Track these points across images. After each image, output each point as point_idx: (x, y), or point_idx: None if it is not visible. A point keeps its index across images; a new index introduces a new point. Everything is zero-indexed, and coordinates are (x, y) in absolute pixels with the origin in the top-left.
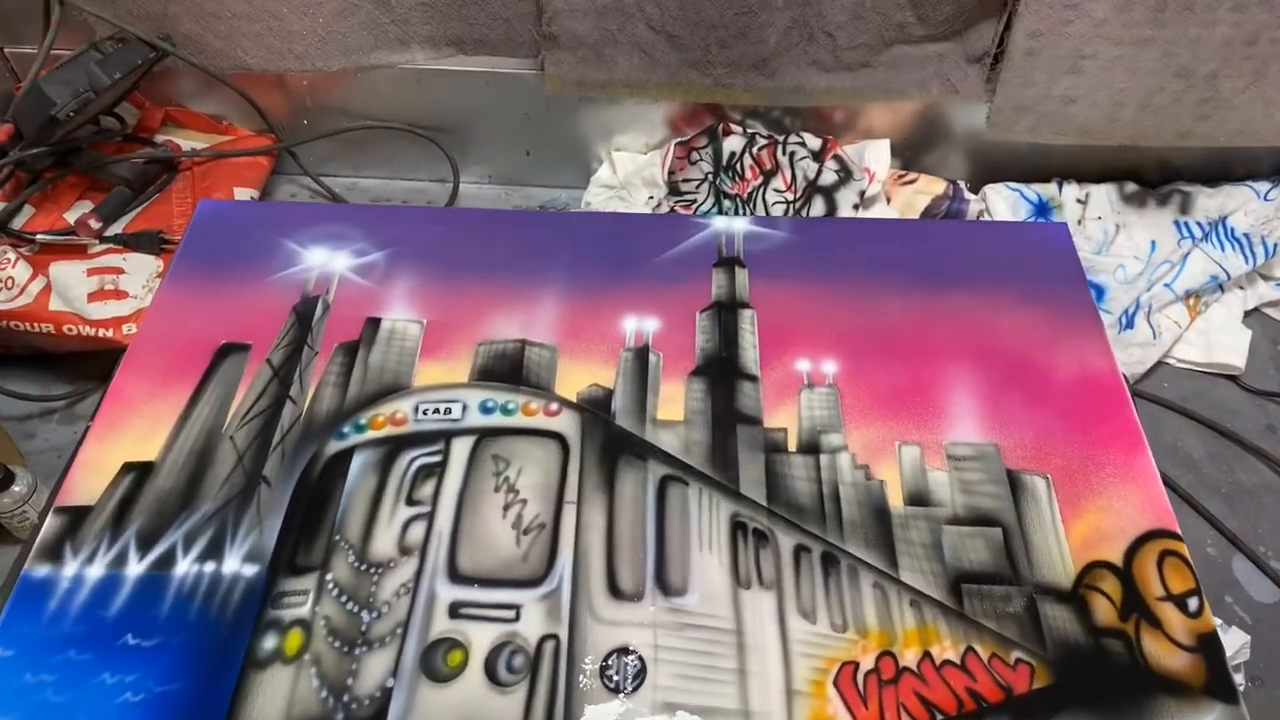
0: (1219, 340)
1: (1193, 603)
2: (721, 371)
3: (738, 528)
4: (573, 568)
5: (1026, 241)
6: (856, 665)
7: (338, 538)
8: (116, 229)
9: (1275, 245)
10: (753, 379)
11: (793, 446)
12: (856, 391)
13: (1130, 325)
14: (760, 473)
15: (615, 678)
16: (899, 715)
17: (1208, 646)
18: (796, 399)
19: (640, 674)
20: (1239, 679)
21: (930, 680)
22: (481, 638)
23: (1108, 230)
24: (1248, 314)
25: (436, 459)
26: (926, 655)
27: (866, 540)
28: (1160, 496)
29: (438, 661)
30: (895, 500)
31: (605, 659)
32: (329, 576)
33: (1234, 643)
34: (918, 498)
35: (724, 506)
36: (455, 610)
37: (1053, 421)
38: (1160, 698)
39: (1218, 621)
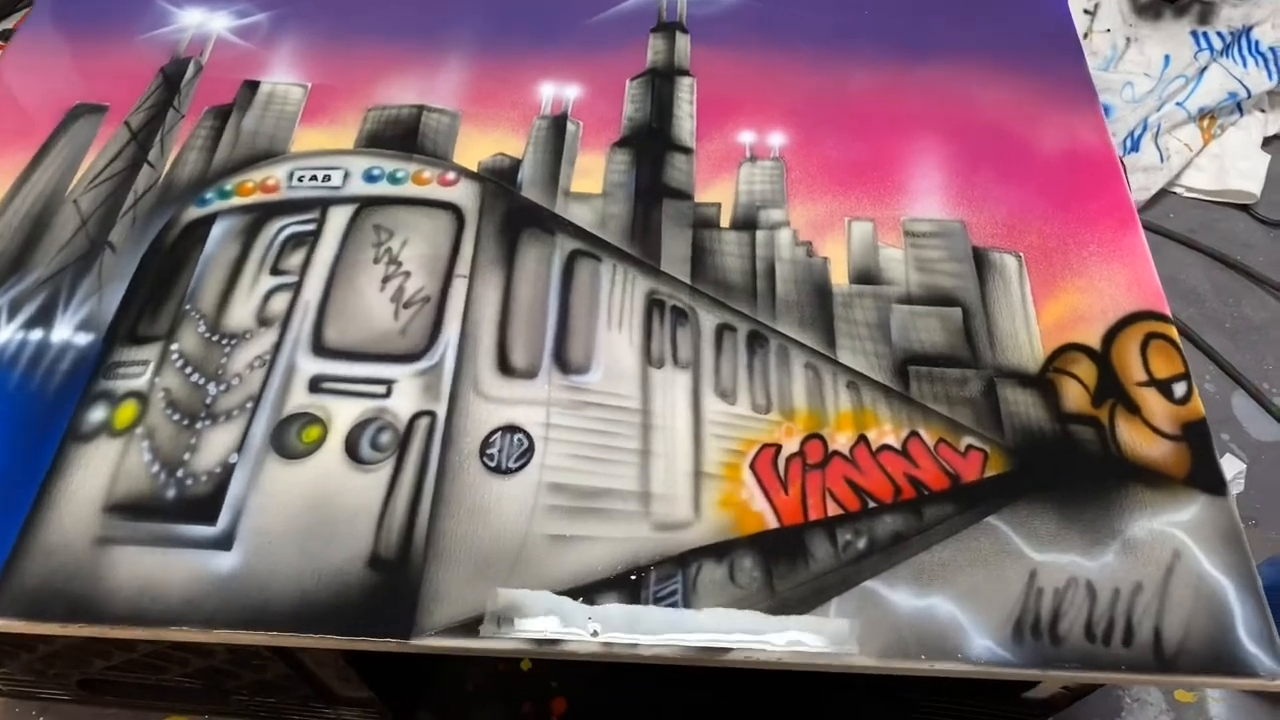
0: (1233, 165)
1: (1179, 388)
2: (650, 143)
3: (654, 305)
4: (458, 343)
5: (1016, 8)
6: (778, 448)
7: (188, 307)
8: None
9: None
10: (685, 151)
11: (725, 222)
12: (806, 165)
13: (1136, 148)
14: (685, 249)
15: (496, 456)
16: (824, 501)
17: (1194, 435)
18: (735, 173)
19: (527, 453)
20: None
21: (864, 466)
22: (344, 413)
23: (1116, 44)
24: (1268, 140)
25: (309, 228)
26: (862, 439)
27: (802, 320)
28: (1150, 277)
29: (290, 437)
30: (839, 278)
31: (487, 438)
32: (174, 347)
33: (1228, 470)
34: (866, 275)
35: (640, 284)
36: (316, 384)
37: (1031, 197)
38: (1134, 488)
39: None
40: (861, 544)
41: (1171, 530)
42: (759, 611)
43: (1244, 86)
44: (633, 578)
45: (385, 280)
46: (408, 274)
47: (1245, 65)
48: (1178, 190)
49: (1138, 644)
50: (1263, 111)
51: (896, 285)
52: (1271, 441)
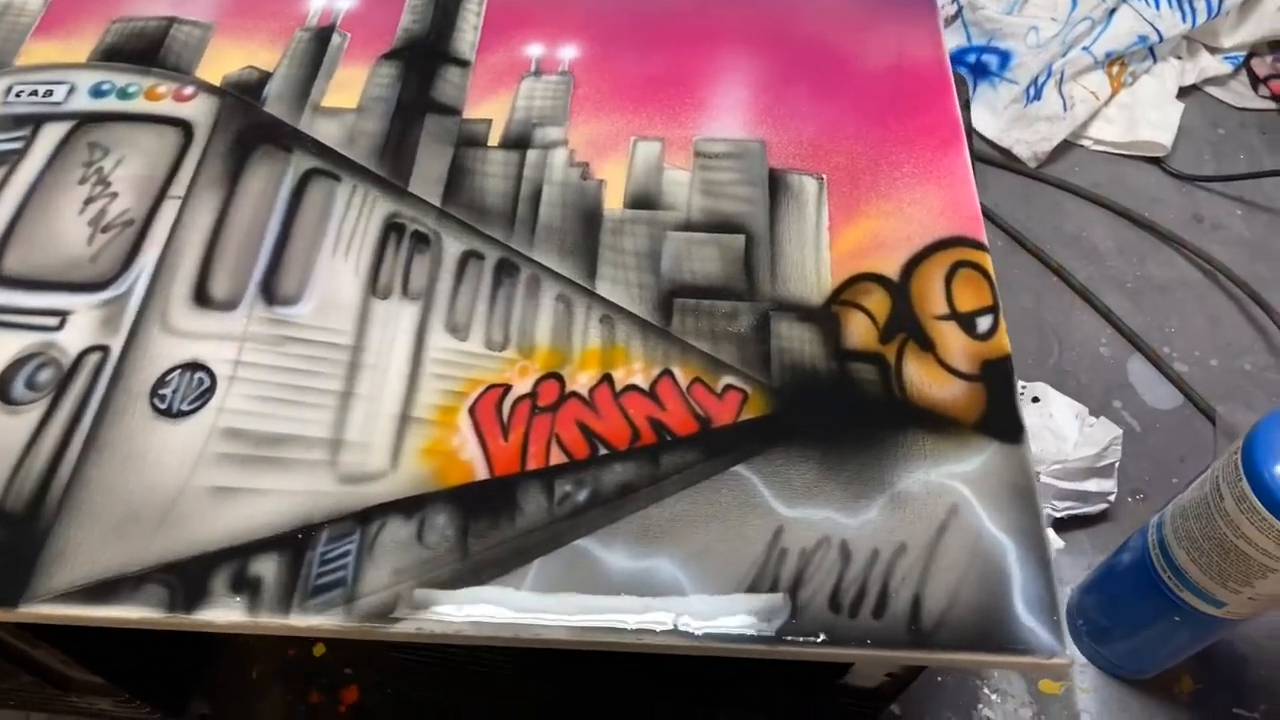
0: (1144, 116)
1: (983, 322)
2: (424, 55)
3: (392, 230)
4: (154, 270)
5: None
6: (507, 389)
7: None
8: None
9: (1219, 3)
10: (462, 64)
11: (494, 140)
12: (597, 81)
13: (1038, 96)
14: (442, 169)
15: (169, 397)
16: (547, 448)
17: (993, 375)
18: (515, 88)
19: (205, 394)
20: (1110, 485)
21: (603, 408)
22: (3, 348)
23: None
24: (1184, 91)
25: (16, 145)
26: (606, 379)
27: (563, 247)
28: (968, 201)
29: None
30: (613, 203)
31: (163, 376)
32: None
33: (1101, 437)
34: (643, 200)
35: (380, 206)
36: None
37: (845, 115)
38: (914, 434)
39: (1084, 412)
40: (582, 496)
41: (951, 483)
42: (442, 575)
43: (1155, 30)
44: (299, 536)
45: (87, 202)
46: (114, 195)
47: (1157, 7)
48: (1084, 143)
49: (890, 614)
50: (1179, 59)
51: (676, 211)
52: (1168, 409)
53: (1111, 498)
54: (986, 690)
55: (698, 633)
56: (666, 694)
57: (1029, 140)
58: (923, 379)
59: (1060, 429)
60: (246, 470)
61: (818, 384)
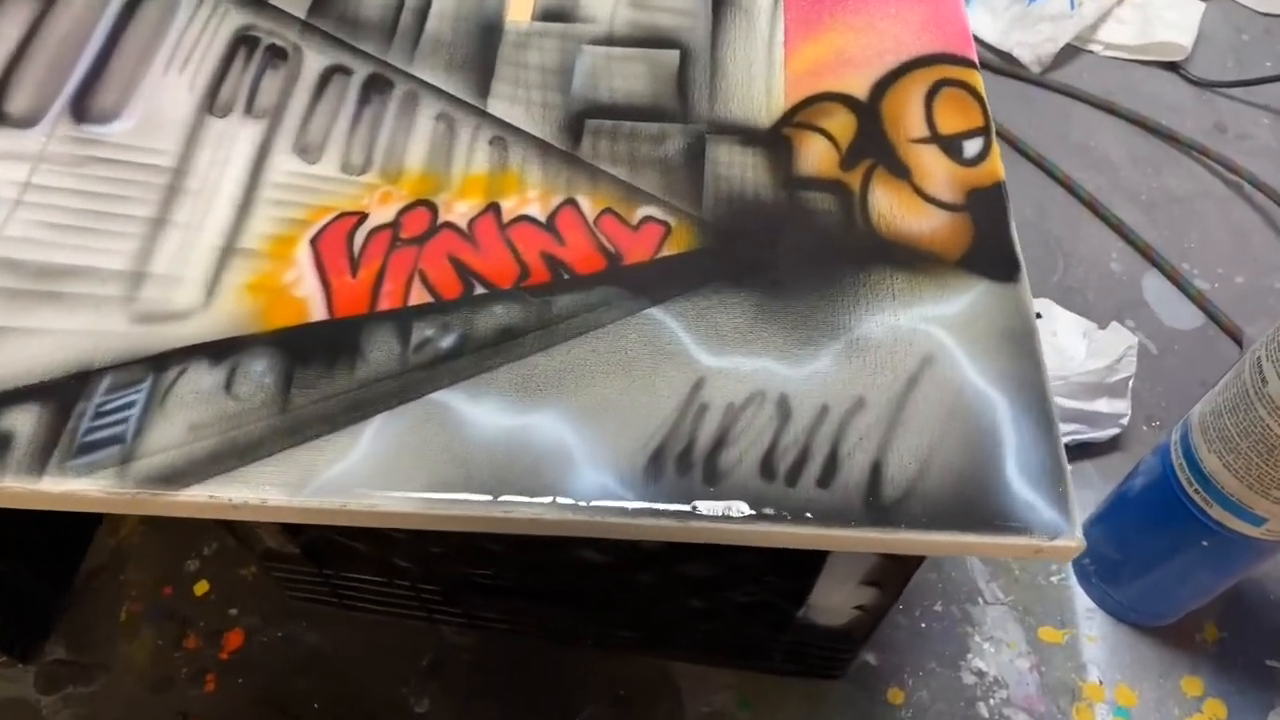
0: (1159, 15)
1: (972, 145)
2: None
3: (242, 43)
4: None
5: None
6: (362, 217)
7: None
8: None
9: None
10: None
11: None
12: None
13: None
14: None
15: None
16: (406, 286)
17: (982, 204)
18: None
19: None
20: (1123, 406)
21: (484, 241)
22: None
23: None
24: None
25: None
26: (492, 209)
27: (450, 62)
28: (955, 15)
29: None
30: (518, 14)
31: None
32: None
33: (1113, 347)
34: (556, 11)
35: (232, 18)
36: None
37: None
38: (880, 271)
39: (1092, 328)
40: (446, 342)
41: (926, 327)
42: (252, 433)
43: None
44: (71, 384)
45: None
46: None
47: None
48: (1094, 48)
49: (841, 483)
50: None
51: (595, 24)
52: (1187, 329)
53: (1124, 421)
54: (978, 638)
55: (579, 504)
56: (601, 639)
57: (1031, 42)
58: (894, 209)
59: (1065, 347)
60: (18, 307)
61: (760, 216)
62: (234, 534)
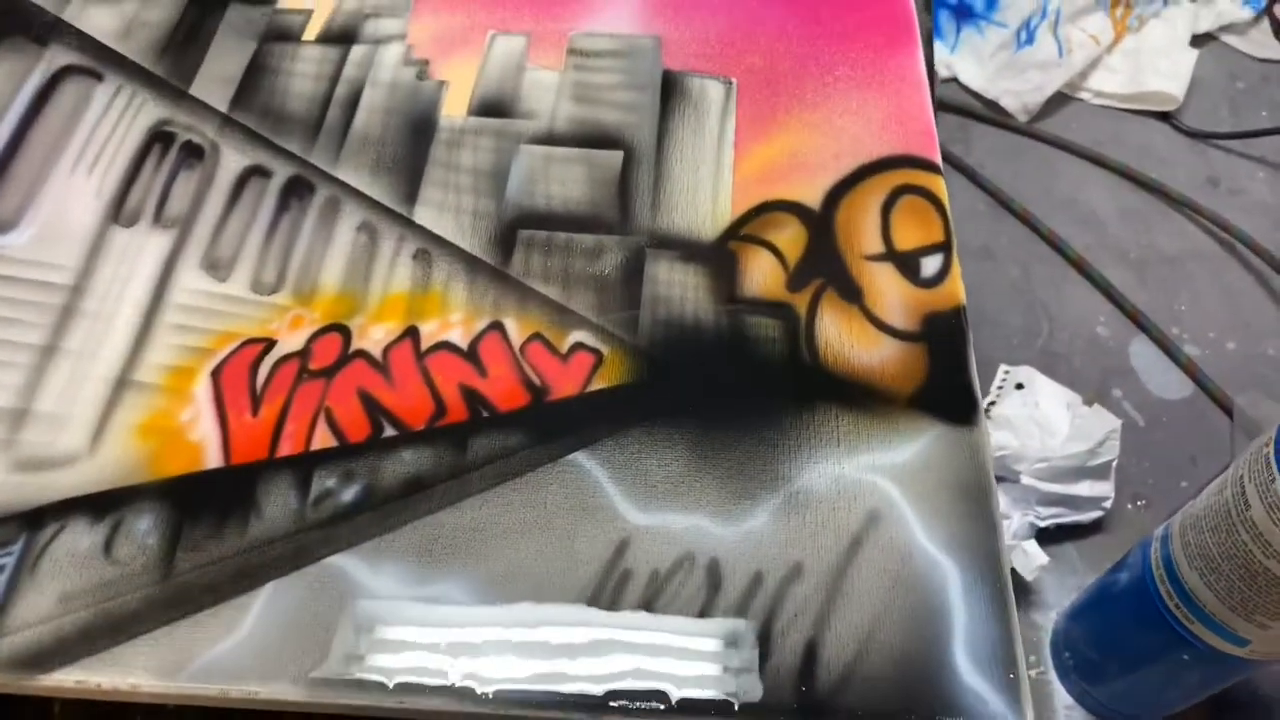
0: (1152, 64)
1: (931, 263)
2: None
3: (158, 140)
4: None
5: None
6: (270, 345)
7: None
8: None
9: None
10: None
11: (312, 34)
12: None
13: (1030, 40)
14: (237, 68)
15: None
16: (310, 427)
17: (941, 332)
18: None
19: None
20: (1106, 489)
21: (398, 373)
22: None
23: None
24: (1198, 40)
25: None
26: (409, 334)
27: (378, 163)
28: (920, 112)
29: None
30: (454, 109)
31: None
32: None
33: (1096, 429)
34: (494, 105)
35: (148, 111)
36: None
37: (766, 8)
38: (822, 409)
39: (1077, 401)
40: (348, 495)
41: (873, 479)
42: (128, 604)
43: None
44: None
45: None
46: None
47: None
48: (1084, 96)
49: (772, 667)
50: (1192, 1)
51: (535, 119)
52: (1176, 399)
53: (1107, 504)
54: None
55: (484, 694)
56: None
57: (1019, 90)
58: (843, 338)
59: (1049, 421)
60: None
61: (698, 343)
62: None
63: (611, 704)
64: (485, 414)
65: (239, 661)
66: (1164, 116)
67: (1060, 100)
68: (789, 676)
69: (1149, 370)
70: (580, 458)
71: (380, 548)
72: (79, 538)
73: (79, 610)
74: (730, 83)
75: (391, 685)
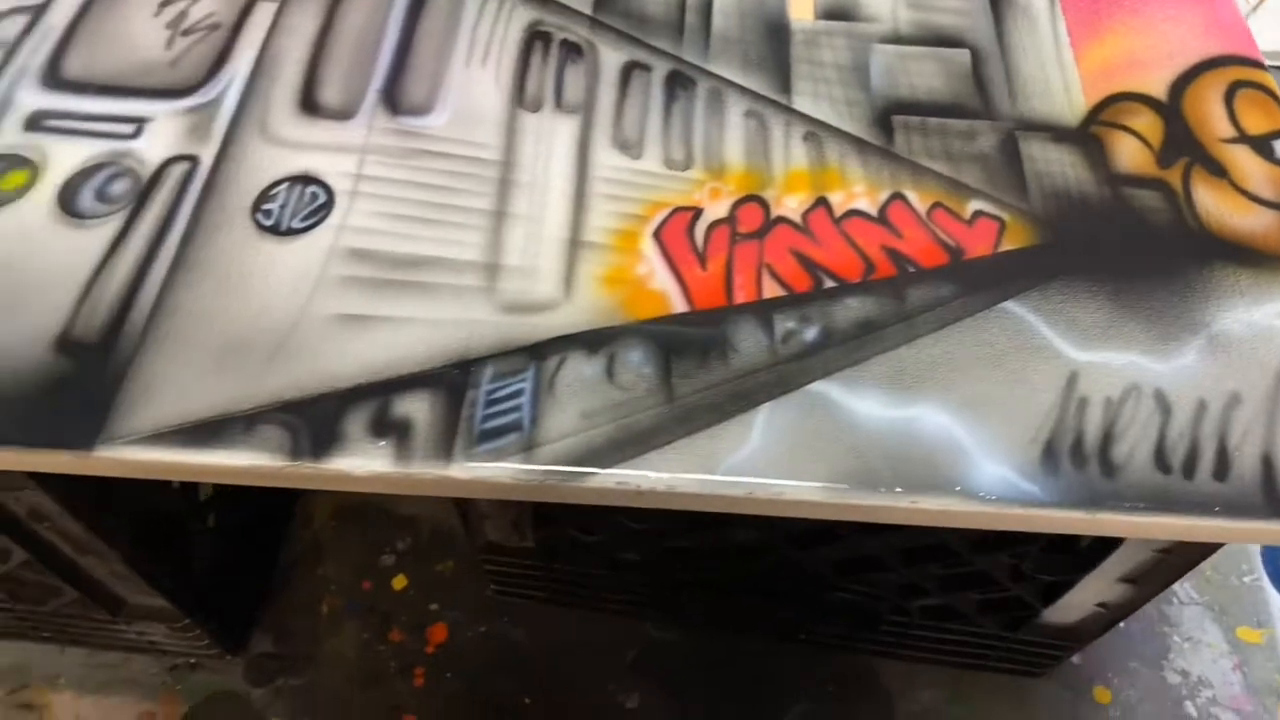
0: None
1: None
2: None
3: (536, 39)
4: (249, 76)
5: None
6: (697, 213)
7: None
8: None
9: None
10: None
11: None
12: None
13: None
14: None
15: (276, 213)
16: (758, 279)
17: None
18: None
19: (322, 210)
20: None
21: (822, 235)
22: (67, 157)
23: None
24: None
25: None
26: (821, 203)
27: (746, 60)
28: (1233, 18)
29: None
30: (801, 13)
31: (268, 190)
32: None
33: None
34: (837, 10)
35: (520, 14)
36: (36, 122)
37: None
38: (1223, 268)
39: None
40: (811, 334)
41: None
42: (643, 421)
43: None
44: (456, 372)
45: (164, 4)
46: None
47: None
48: None
49: (1237, 476)
50: None
51: (878, 22)
52: None
53: None
54: (1177, 638)
55: (990, 497)
56: (818, 636)
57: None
58: (1220, 207)
59: None
60: (380, 296)
61: (1090, 212)
62: (466, 524)
63: (1105, 504)
64: (911, 269)
65: (757, 468)
66: None
67: None
68: (1254, 484)
69: None
70: (1011, 305)
71: (853, 377)
72: (581, 366)
73: (601, 425)
74: None
75: (898, 490)
